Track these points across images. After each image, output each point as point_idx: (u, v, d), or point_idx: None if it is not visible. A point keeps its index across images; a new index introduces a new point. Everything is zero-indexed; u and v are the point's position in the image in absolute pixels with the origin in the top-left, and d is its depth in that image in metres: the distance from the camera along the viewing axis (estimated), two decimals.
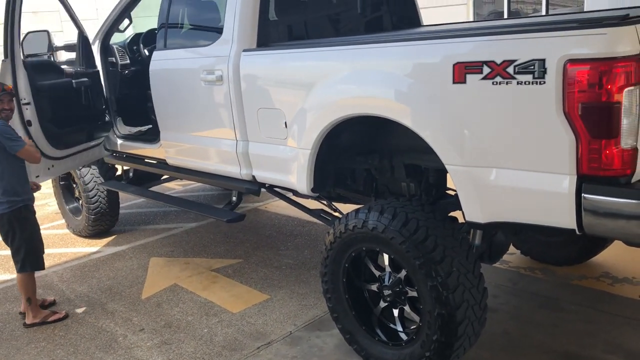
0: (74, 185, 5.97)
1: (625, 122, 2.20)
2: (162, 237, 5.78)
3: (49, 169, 4.67)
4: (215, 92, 3.82)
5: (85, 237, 5.91)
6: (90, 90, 4.96)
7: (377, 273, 3.21)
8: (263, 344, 3.62)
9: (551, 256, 4.32)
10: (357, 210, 3.11)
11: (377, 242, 2.99)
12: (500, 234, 3.38)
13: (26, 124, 4.43)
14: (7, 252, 5.59)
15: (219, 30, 3.80)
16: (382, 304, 3.22)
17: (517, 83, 2.36)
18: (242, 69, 3.61)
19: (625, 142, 2.22)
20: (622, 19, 2.18)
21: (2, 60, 4.37)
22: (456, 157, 2.62)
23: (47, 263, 5.21)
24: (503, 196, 2.54)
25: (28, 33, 5.06)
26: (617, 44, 2.14)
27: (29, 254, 4.09)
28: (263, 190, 3.99)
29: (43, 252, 4.25)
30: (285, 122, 3.42)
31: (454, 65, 2.54)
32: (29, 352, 3.77)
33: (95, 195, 5.62)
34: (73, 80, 4.74)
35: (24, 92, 4.41)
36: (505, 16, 9.61)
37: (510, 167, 2.49)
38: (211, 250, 5.32)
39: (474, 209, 2.64)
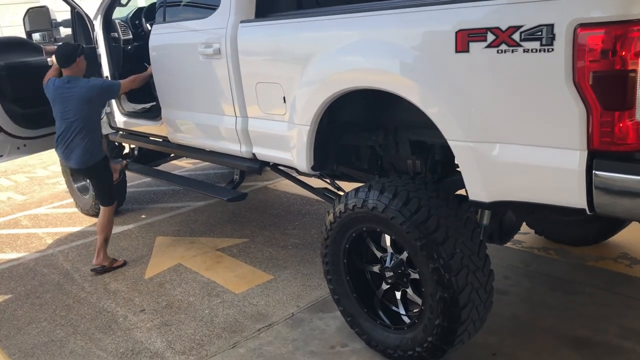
0: None
1: None
2: (169, 216, 5.72)
3: (18, 148, 4.54)
4: (214, 66, 3.68)
5: (93, 215, 5.85)
6: None
7: (378, 254, 3.07)
8: (264, 326, 3.53)
9: (567, 236, 4.14)
10: (357, 189, 2.96)
11: (378, 222, 2.85)
12: (511, 213, 3.22)
13: None
14: (14, 230, 5.63)
15: (216, 2, 3.65)
16: (385, 286, 3.09)
17: (524, 51, 2.17)
18: (239, 41, 3.46)
19: None
20: None
21: None
22: (458, 131, 2.45)
23: (53, 242, 5.24)
24: (508, 173, 2.37)
25: (29, 9, 4.98)
26: (632, 6, 1.94)
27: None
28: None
29: None
30: (284, 97, 3.27)
31: (456, 32, 2.35)
32: (29, 332, 3.74)
33: None
34: (49, 59, 4.57)
35: None
36: None
37: (515, 142, 2.31)
38: (217, 229, 5.24)
39: (478, 188, 2.48)
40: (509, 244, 4.05)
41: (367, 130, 3.39)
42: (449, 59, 2.41)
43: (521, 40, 2.17)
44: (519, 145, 2.30)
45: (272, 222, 5.30)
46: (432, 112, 2.53)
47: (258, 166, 3.79)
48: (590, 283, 3.65)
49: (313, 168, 3.31)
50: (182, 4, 4.20)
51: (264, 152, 3.65)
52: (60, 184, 7.24)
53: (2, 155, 4.53)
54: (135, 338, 3.54)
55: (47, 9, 4.85)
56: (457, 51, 2.38)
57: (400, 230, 2.71)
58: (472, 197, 2.53)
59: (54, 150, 5.18)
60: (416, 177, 3.04)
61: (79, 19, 4.85)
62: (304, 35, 3.12)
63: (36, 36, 5.01)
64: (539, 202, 2.35)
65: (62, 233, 5.52)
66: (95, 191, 4.71)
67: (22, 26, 5.05)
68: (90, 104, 4.24)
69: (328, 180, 3.81)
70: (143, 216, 5.80)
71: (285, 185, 6.26)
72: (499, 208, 2.73)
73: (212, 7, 3.69)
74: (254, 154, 3.73)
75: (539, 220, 4.19)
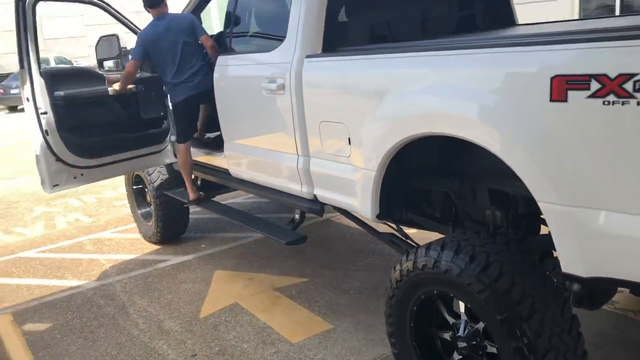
0: (146, 190, 5.88)
1: None
2: (229, 247, 5.56)
3: (75, 177, 4.55)
4: (277, 102, 3.48)
5: (155, 243, 5.80)
6: (140, 97, 4.82)
7: (451, 320, 2.72)
8: None
9: None
10: (428, 246, 2.64)
11: (451, 286, 2.51)
12: None
13: (44, 133, 4.33)
14: (77, 255, 5.63)
15: (282, 35, 3.45)
16: (457, 357, 2.73)
17: (638, 103, 1.81)
18: (304, 77, 3.24)
19: None
20: None
21: (19, 71, 4.28)
22: (552, 193, 2.09)
23: (113, 271, 5.17)
24: (612, 246, 1.99)
25: (101, 37, 4.99)
26: None
27: None
28: None
29: None
30: (349, 138, 3.01)
31: (552, 78, 2.01)
32: None
33: (164, 202, 5.49)
34: (109, 88, 4.59)
35: (41, 101, 4.32)
36: (617, 11, 8.61)
37: (624, 210, 1.93)
38: (277, 265, 5.01)
39: (574, 259, 2.10)
40: None
41: (441, 175, 3.07)
42: (541, 109, 2.07)
43: (635, 90, 1.81)
44: (629, 214, 1.92)
45: (334, 260, 5.02)
46: (520, 168, 2.19)
47: (319, 208, 3.53)
48: None
49: (378, 217, 3.02)
50: (248, 35, 4.04)
51: (325, 195, 3.39)
52: (127, 206, 7.25)
53: (58, 185, 4.52)
54: None
55: (117, 37, 4.84)
56: (552, 100, 2.03)
57: (478, 299, 2.37)
58: (565, 269, 2.15)
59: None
60: (497, 234, 2.68)
61: None
62: (375, 73, 2.84)
63: (109, 63, 5.02)
64: None
65: (123, 260, 5.46)
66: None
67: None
68: (190, 30, 4.38)
69: (394, 226, 3.50)
70: (203, 245, 5.67)
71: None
72: (598, 285, 2.33)
73: (279, 39, 3.50)
74: (315, 196, 3.47)
75: None
